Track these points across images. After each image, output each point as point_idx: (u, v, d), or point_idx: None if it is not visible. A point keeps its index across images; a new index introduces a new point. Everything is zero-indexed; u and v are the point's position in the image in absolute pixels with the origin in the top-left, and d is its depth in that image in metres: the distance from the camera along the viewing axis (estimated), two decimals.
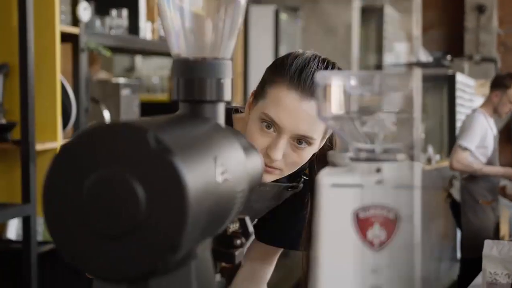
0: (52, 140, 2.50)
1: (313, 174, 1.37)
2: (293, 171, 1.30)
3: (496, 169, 4.41)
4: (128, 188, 0.61)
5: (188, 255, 0.69)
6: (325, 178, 0.70)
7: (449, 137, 7.17)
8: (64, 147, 0.64)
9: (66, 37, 2.63)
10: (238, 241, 0.88)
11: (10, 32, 2.43)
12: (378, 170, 0.70)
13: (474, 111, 4.52)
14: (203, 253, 0.73)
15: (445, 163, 6.52)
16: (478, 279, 2.19)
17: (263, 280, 1.51)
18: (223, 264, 0.89)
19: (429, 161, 5.86)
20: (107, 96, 3.08)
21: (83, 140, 0.64)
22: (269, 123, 1.24)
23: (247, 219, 0.91)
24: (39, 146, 2.41)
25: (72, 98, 2.58)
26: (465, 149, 4.21)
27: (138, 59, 5.46)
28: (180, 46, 0.84)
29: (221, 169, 0.71)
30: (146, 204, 0.61)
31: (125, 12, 3.04)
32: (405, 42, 5.45)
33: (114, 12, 3.02)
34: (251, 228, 0.91)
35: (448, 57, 6.30)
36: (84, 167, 0.63)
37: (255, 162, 0.88)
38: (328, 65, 1.26)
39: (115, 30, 3.00)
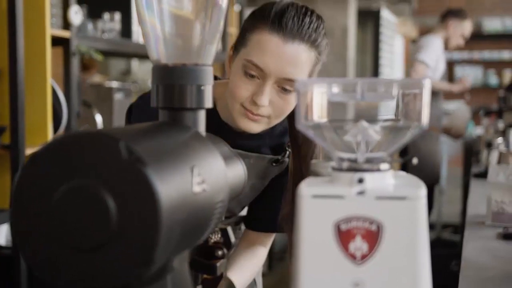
0: (42, 144, 2.47)
1: (296, 146, 1.35)
2: (280, 120, 1.28)
3: (449, 86, 4.70)
4: (99, 199, 0.59)
5: (163, 268, 0.67)
6: (306, 188, 0.68)
7: (372, 74, 7.29)
8: (33, 156, 0.62)
9: (57, 41, 2.61)
10: (220, 252, 0.86)
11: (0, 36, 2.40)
12: (361, 181, 0.68)
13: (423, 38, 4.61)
14: (180, 265, 0.71)
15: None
16: (481, 210, 2.07)
17: (260, 261, 1.49)
18: (205, 275, 0.87)
19: None
20: (100, 100, 3.05)
21: (53, 149, 0.62)
22: (253, 71, 1.22)
23: (229, 229, 0.89)
24: (29, 151, 2.38)
25: (63, 102, 2.55)
26: (422, 62, 4.30)
27: (134, 63, 5.44)
28: (159, 52, 0.82)
29: (198, 179, 0.69)
30: (118, 217, 0.59)
31: (117, 15, 3.01)
32: None
33: (106, 15, 2.99)
34: (233, 239, 0.89)
35: None
36: (54, 177, 0.61)
37: (237, 170, 0.85)
38: (307, 10, 1.25)
39: (108, 33, 2.97)
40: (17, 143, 2.30)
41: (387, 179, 0.69)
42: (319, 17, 1.26)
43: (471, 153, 4.85)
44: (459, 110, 4.91)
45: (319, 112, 0.71)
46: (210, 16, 0.83)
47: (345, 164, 0.70)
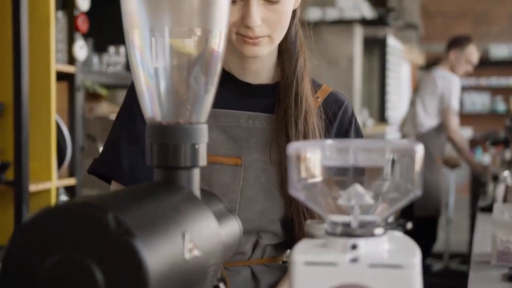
0: (47, 180, 2.47)
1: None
2: (283, 34, 1.19)
3: (471, 159, 4.73)
4: (87, 272, 0.58)
5: None
6: (299, 255, 0.67)
7: (379, 101, 7.29)
8: (22, 227, 0.61)
9: (62, 76, 2.62)
10: None
11: (4, 71, 2.42)
12: (354, 247, 0.67)
13: (435, 70, 4.61)
14: None
15: (380, 128, 6.61)
16: (487, 248, 2.03)
17: None
18: None
19: (364, 125, 5.90)
20: (105, 133, 3.05)
21: (42, 220, 0.61)
22: None
23: (222, 286, 0.88)
24: (33, 187, 2.38)
25: (67, 137, 2.56)
26: (455, 111, 4.34)
27: None
28: (154, 110, 0.81)
29: (190, 246, 0.68)
30: None
31: (122, 49, 3.03)
32: None
33: (112, 49, 3.01)
34: None
35: (392, 14, 6.29)
36: (42, 249, 0.60)
37: (231, 228, 0.85)
38: None
39: (113, 67, 2.99)
40: (21, 179, 2.30)
41: (381, 244, 0.68)
42: None
43: (478, 184, 4.82)
44: None
45: (311, 176, 0.71)
46: (205, 70, 0.83)
47: (339, 229, 0.69)
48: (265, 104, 1.26)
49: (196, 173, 0.81)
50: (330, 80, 5.14)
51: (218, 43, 0.81)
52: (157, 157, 0.79)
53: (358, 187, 0.70)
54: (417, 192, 0.68)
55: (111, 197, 0.65)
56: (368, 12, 5.48)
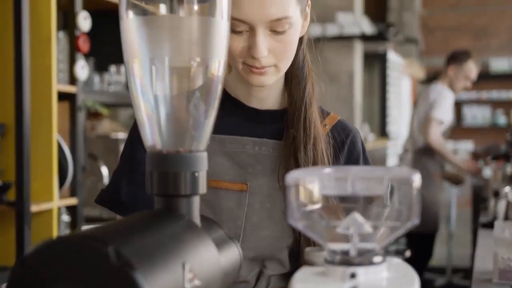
0: (48, 200, 2.47)
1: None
2: (289, 62, 1.18)
3: (460, 161, 4.61)
4: None
5: None
6: (298, 284, 0.68)
7: (380, 116, 7.29)
8: (23, 259, 0.62)
9: (64, 96, 2.64)
10: None
11: (6, 91, 2.43)
12: (353, 276, 0.68)
13: (432, 85, 4.62)
14: None
15: (381, 143, 6.62)
16: (488, 265, 2.02)
17: None
18: None
19: (365, 140, 5.89)
20: (107, 152, 3.07)
21: (42, 252, 0.62)
22: (238, 26, 1.12)
23: None
24: (34, 208, 2.38)
25: (68, 157, 2.57)
26: (441, 122, 4.30)
27: None
28: (154, 139, 0.82)
29: (190, 275, 0.68)
30: None
31: (123, 68, 3.05)
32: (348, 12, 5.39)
33: (112, 68, 3.03)
34: None
35: (392, 30, 6.29)
36: (43, 281, 0.60)
37: (231, 255, 0.85)
38: None
39: (114, 86, 3.00)
40: (22, 200, 2.30)
41: (380, 272, 0.69)
42: None
43: (479, 198, 4.82)
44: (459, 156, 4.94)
45: (310, 204, 0.71)
46: (205, 97, 0.83)
47: (337, 258, 0.69)
48: (272, 130, 1.25)
49: (196, 201, 0.81)
50: (331, 96, 5.16)
51: (217, 71, 0.82)
52: (157, 185, 0.80)
53: (356, 216, 0.71)
54: (415, 221, 0.69)
55: (112, 229, 0.66)
56: (368, 28, 5.51)
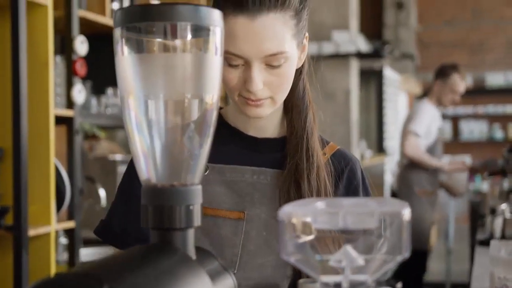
0: (46, 224, 2.48)
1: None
2: (285, 94, 1.19)
3: (441, 164, 4.51)
4: None
5: None
6: None
7: (377, 132, 7.30)
8: None
9: (61, 119, 2.65)
10: None
11: (4, 116, 2.44)
12: None
13: (422, 99, 4.65)
14: None
15: (378, 159, 6.63)
16: (485, 283, 2.01)
17: None
18: None
19: (362, 157, 5.90)
20: (104, 174, 3.08)
21: None
22: (234, 60, 1.13)
23: None
24: (32, 232, 2.39)
25: (66, 181, 2.58)
26: (417, 134, 4.29)
27: None
28: (149, 172, 0.83)
29: None
30: None
31: None
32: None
33: (110, 90, 3.05)
34: None
35: (387, 47, 6.31)
36: None
37: (226, 285, 0.86)
38: None
39: (111, 108, 3.02)
40: (20, 224, 2.31)
41: None
42: None
43: (477, 214, 4.82)
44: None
45: (303, 238, 0.72)
46: (199, 131, 0.85)
47: None
48: (271, 158, 1.25)
49: (191, 233, 0.82)
50: (328, 113, 5.16)
51: (211, 105, 0.84)
52: (152, 218, 0.81)
53: (349, 249, 0.72)
54: (405, 254, 0.70)
55: (107, 265, 0.67)
56: (363, 45, 5.54)
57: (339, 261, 0.72)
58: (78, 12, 2.72)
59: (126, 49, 0.80)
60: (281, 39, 1.12)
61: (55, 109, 2.56)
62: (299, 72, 1.24)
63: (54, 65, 2.57)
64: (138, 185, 1.18)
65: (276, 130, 1.28)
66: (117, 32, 0.80)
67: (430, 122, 4.40)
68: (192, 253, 0.82)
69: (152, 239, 0.82)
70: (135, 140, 0.83)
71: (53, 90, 2.53)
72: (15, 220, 2.33)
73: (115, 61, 0.82)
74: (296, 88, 1.25)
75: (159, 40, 0.86)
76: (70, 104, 2.68)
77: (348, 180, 1.28)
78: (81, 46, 2.68)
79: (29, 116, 2.41)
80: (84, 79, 2.81)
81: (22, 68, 2.37)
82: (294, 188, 1.20)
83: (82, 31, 2.77)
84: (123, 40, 0.80)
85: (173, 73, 0.81)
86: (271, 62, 1.13)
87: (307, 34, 1.23)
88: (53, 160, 2.50)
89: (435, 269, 6.53)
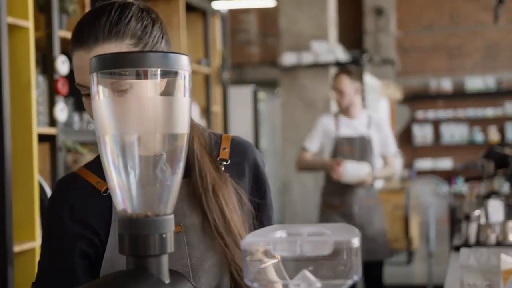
0: (31, 240, 2.54)
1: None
2: None
3: (325, 160, 4.13)
4: None
5: None
6: None
7: None
8: None
9: (44, 137, 2.71)
10: None
11: None
12: None
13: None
14: None
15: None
16: None
17: None
18: None
19: None
20: None
21: None
22: (84, 90, 1.21)
23: None
24: (17, 248, 2.45)
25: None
26: (304, 149, 4.13)
27: None
28: (124, 203, 0.91)
29: None
30: None
31: None
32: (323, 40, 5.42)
33: None
34: None
35: (366, 56, 6.35)
36: None
37: None
38: (104, 9, 1.21)
39: (93, 124, 3.08)
40: (5, 240, 2.37)
41: None
42: (118, 8, 1.21)
43: (455, 218, 4.92)
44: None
45: (264, 265, 0.80)
46: (170, 165, 0.92)
47: None
48: None
49: (165, 259, 0.90)
50: (308, 122, 5.27)
51: (182, 141, 0.91)
52: (128, 247, 0.89)
53: (306, 273, 0.80)
54: (355, 277, 0.78)
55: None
56: (342, 55, 5.64)
57: (298, 285, 0.79)
58: (59, 33, 2.79)
59: (101, 93, 0.88)
60: None
61: (38, 127, 2.62)
62: None
63: (36, 85, 2.64)
64: (67, 222, 1.22)
65: None
66: (93, 78, 0.87)
67: (324, 133, 4.15)
68: (166, 277, 0.89)
69: (128, 265, 0.89)
70: (112, 174, 0.91)
71: (36, 109, 2.59)
72: (0, 237, 2.38)
73: (92, 104, 0.89)
74: None
75: (131, 83, 0.94)
76: (52, 122, 2.74)
77: (250, 166, 1.34)
78: (62, 66, 2.74)
79: (13, 135, 2.47)
80: (66, 97, 2.87)
81: (4, 88, 2.43)
82: (200, 205, 1.26)
83: (63, 50, 2.83)
84: (99, 85, 0.87)
85: (145, 114, 0.89)
86: (118, 89, 1.05)
87: None
88: (37, 177, 2.56)
89: (417, 271, 6.64)
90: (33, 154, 2.53)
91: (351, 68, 4.28)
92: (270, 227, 0.87)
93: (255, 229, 1.28)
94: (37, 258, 2.57)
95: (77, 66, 1.21)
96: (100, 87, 0.88)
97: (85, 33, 1.19)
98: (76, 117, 3.00)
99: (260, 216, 1.35)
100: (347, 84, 4.04)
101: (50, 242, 1.27)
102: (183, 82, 0.89)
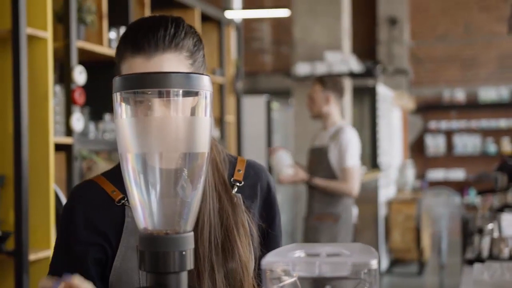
0: (46, 248, 2.56)
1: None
2: None
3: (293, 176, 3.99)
4: None
5: None
6: None
7: (371, 148, 7.38)
8: None
9: (60, 147, 2.74)
10: None
11: (5, 144, 2.53)
12: None
13: None
14: None
15: (372, 176, 6.69)
16: None
17: None
18: None
19: None
20: None
21: None
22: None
23: None
24: (32, 256, 2.47)
25: None
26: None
27: None
28: (145, 221, 0.92)
29: None
30: None
31: None
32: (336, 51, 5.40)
33: (107, 116, 3.14)
34: None
35: (379, 67, 6.33)
36: None
37: None
38: (160, 20, 1.23)
39: (109, 133, 3.11)
40: (21, 249, 2.39)
41: None
42: (173, 21, 1.24)
43: (468, 230, 4.89)
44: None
45: (283, 283, 0.81)
46: (191, 183, 0.93)
47: None
48: None
49: (184, 276, 0.91)
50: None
51: (202, 160, 0.93)
52: (148, 263, 0.90)
53: None
54: None
55: None
56: (355, 66, 5.64)
57: None
58: (77, 43, 2.82)
59: (124, 112, 0.89)
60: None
61: (55, 137, 2.64)
62: None
63: (53, 95, 2.67)
64: (80, 227, 1.23)
65: None
66: (117, 97, 0.89)
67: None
68: None
69: (148, 282, 0.91)
70: (133, 192, 0.92)
71: (53, 119, 2.62)
72: (16, 245, 2.41)
73: (115, 123, 0.91)
74: None
75: (154, 103, 0.96)
76: (69, 131, 2.76)
77: (263, 190, 1.36)
78: (79, 76, 2.77)
79: (30, 144, 2.50)
80: (82, 107, 2.90)
81: (23, 98, 2.46)
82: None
83: (80, 60, 2.86)
84: (122, 104, 0.89)
85: (167, 133, 0.90)
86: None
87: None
88: (53, 186, 2.59)
89: (428, 282, 6.62)
90: (50, 163, 2.56)
91: (329, 79, 4.21)
92: (289, 246, 0.88)
93: (259, 254, 1.29)
94: None
95: (136, 71, 1.20)
96: (123, 106, 0.90)
97: (144, 40, 1.20)
98: (91, 127, 3.03)
99: (267, 243, 1.34)
100: (317, 92, 4.02)
101: (63, 248, 1.28)
102: (205, 102, 0.91)
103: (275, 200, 1.38)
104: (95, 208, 1.27)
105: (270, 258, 0.81)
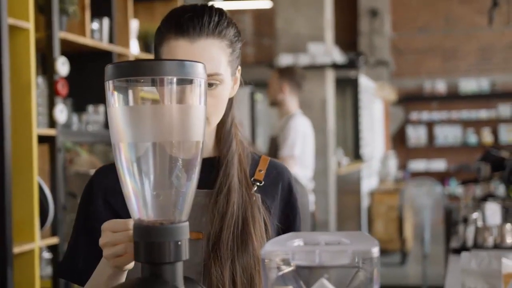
0: (30, 241, 2.53)
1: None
2: (219, 117, 1.26)
3: None
4: None
5: None
6: None
7: (353, 139, 7.44)
8: None
9: (43, 138, 2.70)
10: None
11: None
12: None
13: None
14: None
15: (355, 166, 6.73)
16: None
17: None
18: None
19: (339, 164, 5.95)
20: None
21: None
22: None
23: None
24: (16, 249, 2.44)
25: (49, 198, 2.63)
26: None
27: None
28: (140, 212, 0.91)
29: None
30: None
31: (101, 107, 3.13)
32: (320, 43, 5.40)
33: (91, 108, 3.11)
34: None
35: (362, 58, 6.37)
36: None
37: None
38: (204, 7, 1.25)
39: (92, 125, 3.08)
40: (5, 242, 2.36)
41: None
42: (217, 11, 1.26)
43: (451, 220, 4.93)
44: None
45: (282, 273, 0.80)
46: (185, 173, 0.92)
47: None
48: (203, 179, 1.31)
49: (180, 266, 0.90)
50: None
51: (197, 148, 0.91)
52: (144, 254, 0.89)
53: (324, 281, 0.80)
54: (375, 287, 0.78)
55: None
56: (338, 57, 5.64)
57: None
58: (59, 34, 2.78)
59: (117, 100, 0.88)
60: (218, 62, 1.23)
61: (38, 129, 2.61)
62: (230, 103, 1.31)
63: (36, 86, 2.63)
64: (100, 209, 1.23)
65: (208, 151, 1.32)
66: (109, 85, 0.87)
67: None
68: (180, 284, 0.89)
69: (143, 273, 0.89)
70: (127, 182, 0.91)
71: (36, 110, 2.59)
72: (0, 238, 2.37)
73: (107, 112, 0.89)
74: (227, 119, 1.32)
75: (147, 92, 0.94)
76: (52, 123, 2.73)
77: (284, 190, 1.35)
78: (62, 67, 2.74)
79: (13, 136, 2.46)
80: (65, 98, 2.87)
81: (5, 89, 2.42)
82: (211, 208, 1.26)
83: (63, 51, 2.83)
84: (114, 92, 0.87)
85: (161, 121, 0.89)
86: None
87: (240, 68, 1.32)
88: (36, 178, 2.56)
89: (411, 272, 6.66)
90: (33, 155, 2.53)
91: (287, 69, 4.25)
92: (287, 235, 0.87)
93: None
94: (37, 259, 2.57)
95: (176, 55, 1.21)
96: (116, 95, 0.88)
97: (190, 24, 1.21)
98: (75, 118, 3.00)
99: None
100: (274, 80, 4.07)
101: (83, 229, 1.29)
102: (199, 90, 0.90)
103: (296, 201, 1.37)
104: (113, 191, 1.26)
105: (268, 247, 0.80)
